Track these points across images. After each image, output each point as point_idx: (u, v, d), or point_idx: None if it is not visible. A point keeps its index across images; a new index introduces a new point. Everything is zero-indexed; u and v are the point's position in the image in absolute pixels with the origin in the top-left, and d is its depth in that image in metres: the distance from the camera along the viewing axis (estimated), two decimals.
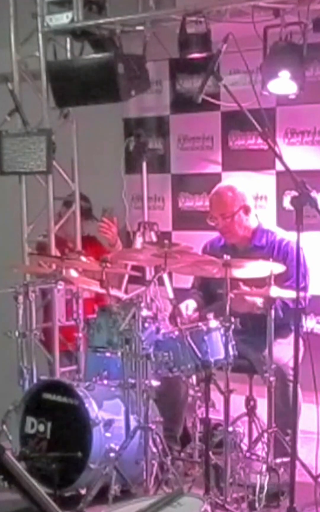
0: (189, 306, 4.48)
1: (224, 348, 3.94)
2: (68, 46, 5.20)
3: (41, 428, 4.16)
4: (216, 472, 3.90)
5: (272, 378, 3.99)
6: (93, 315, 4.44)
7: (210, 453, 3.82)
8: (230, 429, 3.91)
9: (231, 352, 3.92)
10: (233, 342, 3.94)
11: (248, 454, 4.09)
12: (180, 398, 4.40)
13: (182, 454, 4.34)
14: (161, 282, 4.45)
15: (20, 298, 4.53)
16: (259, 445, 4.10)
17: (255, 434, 4.25)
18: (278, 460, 3.95)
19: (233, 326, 3.91)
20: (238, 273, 4.00)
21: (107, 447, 3.92)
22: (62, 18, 4.92)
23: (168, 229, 5.62)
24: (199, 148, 5.53)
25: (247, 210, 4.54)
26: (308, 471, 3.90)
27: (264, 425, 4.10)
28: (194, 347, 3.95)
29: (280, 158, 3.84)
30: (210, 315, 4.06)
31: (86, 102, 4.99)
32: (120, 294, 4.68)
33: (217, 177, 5.24)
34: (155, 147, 5.65)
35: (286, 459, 3.82)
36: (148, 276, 4.73)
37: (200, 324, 4.05)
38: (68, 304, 4.87)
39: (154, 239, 5.00)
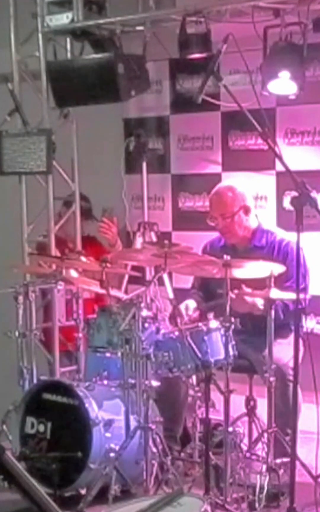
0: (189, 306, 4.48)
1: (224, 348, 3.94)
2: (68, 46, 5.19)
3: (41, 428, 4.17)
4: (216, 472, 3.90)
5: (272, 378, 3.99)
6: (93, 315, 4.44)
7: (210, 453, 3.82)
8: (230, 429, 3.91)
9: (231, 352, 3.92)
10: (233, 342, 3.94)
11: (248, 454, 4.09)
12: (180, 398, 4.40)
13: (182, 454, 4.35)
14: (161, 282, 4.45)
15: (20, 298, 4.53)
16: (259, 445, 4.10)
17: (255, 434, 4.25)
18: (278, 460, 3.95)
19: (233, 326, 3.91)
20: (238, 273, 4.00)
21: (107, 447, 3.92)
22: (62, 18, 4.92)
23: (168, 229, 5.62)
24: (199, 148, 5.53)
25: (247, 210, 4.54)
26: (308, 471, 3.90)
27: (264, 425, 4.10)
28: (194, 347, 3.95)
29: (280, 158, 3.84)
30: (210, 315, 4.06)
31: (86, 102, 4.99)
32: (120, 294, 4.68)
33: (217, 177, 5.24)
34: (155, 147, 5.65)
35: (286, 459, 3.82)
36: (148, 276, 4.73)
37: (200, 324, 4.05)
38: (68, 304, 4.87)
39: (154, 239, 5.00)
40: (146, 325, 4.03)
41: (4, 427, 4.49)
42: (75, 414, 4.04)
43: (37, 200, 5.14)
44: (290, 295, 3.86)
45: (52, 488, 3.73)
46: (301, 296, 3.71)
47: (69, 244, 5.32)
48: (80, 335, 4.58)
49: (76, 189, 5.28)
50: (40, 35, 5.04)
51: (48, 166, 5.01)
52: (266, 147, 4.28)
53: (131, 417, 4.02)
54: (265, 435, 4.02)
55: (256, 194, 4.92)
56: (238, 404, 4.22)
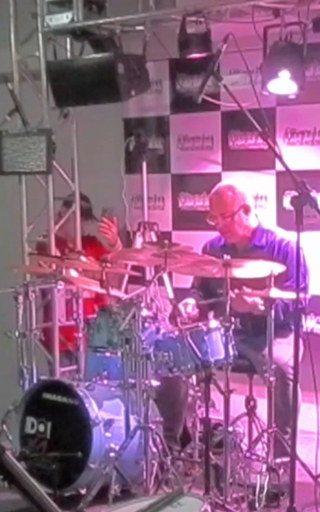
0: (188, 304, 4.48)
1: (224, 348, 3.94)
2: (68, 46, 5.20)
3: (41, 428, 4.16)
4: (216, 472, 3.90)
5: (272, 378, 3.99)
6: (93, 315, 4.44)
7: (210, 453, 3.82)
8: (230, 429, 3.91)
9: (231, 352, 3.92)
10: (233, 342, 3.94)
11: (248, 454, 4.09)
12: (180, 398, 4.40)
13: (182, 454, 4.34)
14: (161, 282, 4.45)
15: (20, 298, 4.53)
16: (259, 445, 4.10)
17: (255, 434, 4.25)
18: (278, 460, 3.95)
19: (233, 326, 3.91)
20: (238, 273, 4.00)
21: (107, 447, 3.92)
22: (62, 18, 4.92)
23: (168, 229, 5.62)
24: (199, 148, 5.53)
25: (247, 209, 4.54)
26: (308, 471, 3.90)
27: (264, 425, 4.10)
28: (194, 347, 3.95)
29: (280, 158, 3.84)
30: (210, 315, 4.06)
31: (86, 102, 4.99)
32: (120, 294, 4.68)
33: (217, 177, 5.24)
34: (155, 147, 5.65)
35: (286, 459, 3.82)
36: (148, 276, 4.73)
37: (200, 324, 4.05)
38: (68, 304, 4.87)
39: (154, 239, 5.00)
40: (146, 325, 4.03)
41: (4, 427, 4.49)
42: (75, 414, 4.04)
43: (37, 200, 5.14)
44: (290, 295, 3.86)
45: (52, 488, 3.73)
46: (301, 295, 3.71)
47: (69, 244, 5.32)
48: (80, 335, 4.58)
49: (76, 189, 5.28)
50: (40, 35, 5.04)
51: (48, 166, 5.01)
52: (266, 147, 4.28)
53: (131, 417, 4.01)
54: (265, 435, 4.01)
55: (256, 194, 4.92)
56: (238, 404, 4.22)
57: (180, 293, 4.68)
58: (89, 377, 4.29)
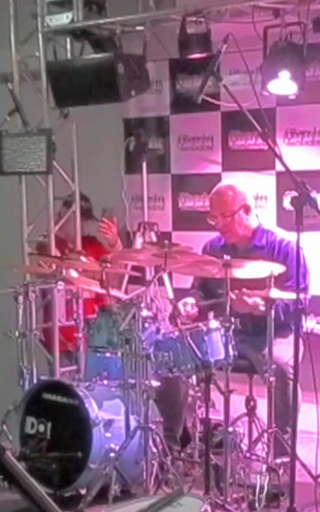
0: (187, 303, 4.47)
1: (224, 348, 3.94)
2: (68, 46, 5.20)
3: (41, 428, 4.16)
4: (216, 472, 3.90)
5: (272, 378, 3.99)
6: (93, 315, 4.44)
7: (210, 453, 3.82)
8: (230, 429, 3.91)
9: (231, 352, 3.92)
10: (233, 342, 3.94)
11: (248, 454, 4.09)
12: (179, 398, 4.40)
13: (182, 454, 4.34)
14: (161, 282, 4.45)
15: (20, 298, 4.53)
16: (259, 445, 4.10)
17: (255, 434, 4.25)
18: (278, 460, 3.95)
19: (233, 326, 3.91)
20: (238, 273, 4.00)
21: (107, 447, 3.92)
22: (62, 18, 4.92)
23: (168, 229, 5.62)
24: (199, 148, 5.53)
25: (247, 209, 4.54)
26: (308, 471, 3.90)
27: (264, 425, 4.10)
28: (194, 347, 3.95)
29: (280, 158, 3.84)
30: (210, 315, 4.06)
31: (86, 102, 4.99)
32: (120, 294, 4.68)
33: (217, 177, 5.24)
34: (155, 147, 5.65)
35: (286, 459, 3.82)
36: (148, 276, 4.73)
37: (200, 324, 4.05)
38: (68, 304, 4.87)
39: (154, 239, 5.00)
40: (146, 325, 4.03)
41: (4, 427, 4.49)
42: (75, 414, 4.04)
43: (37, 200, 5.14)
44: (290, 295, 3.86)
45: (52, 488, 3.73)
46: (301, 296, 3.71)
47: (69, 244, 5.32)
48: (80, 335, 4.58)
49: (76, 189, 5.28)
50: (40, 35, 5.04)
51: (48, 166, 5.01)
52: (266, 147, 4.28)
53: (131, 417, 4.01)
54: (265, 435, 4.01)
55: (256, 194, 4.92)
56: (238, 404, 4.22)
57: (180, 293, 4.68)
58: (89, 377, 4.29)
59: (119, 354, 4.03)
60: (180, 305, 4.38)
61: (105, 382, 4.19)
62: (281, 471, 3.90)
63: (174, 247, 4.21)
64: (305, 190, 3.47)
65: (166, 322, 4.18)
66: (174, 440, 4.41)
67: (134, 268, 4.81)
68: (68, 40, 5.17)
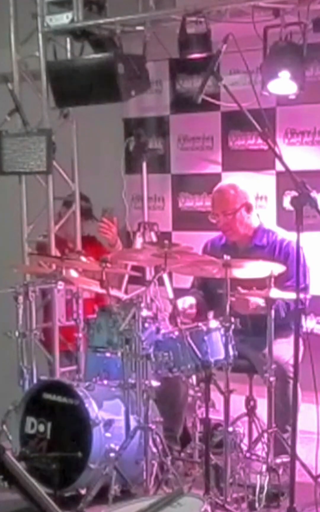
0: (186, 301, 4.48)
1: (224, 348, 3.94)
2: (68, 46, 5.19)
3: (41, 428, 4.16)
4: (216, 472, 3.90)
5: (272, 378, 3.99)
6: (93, 315, 4.44)
7: (210, 453, 3.82)
8: (230, 429, 3.91)
9: (231, 352, 3.92)
10: (233, 342, 3.94)
11: (248, 454, 4.09)
12: (179, 398, 4.40)
13: (182, 454, 4.34)
14: (161, 282, 4.45)
15: (20, 298, 4.53)
16: (259, 445, 4.10)
17: (255, 434, 4.25)
18: (278, 460, 3.95)
19: (233, 326, 3.91)
20: (238, 273, 4.00)
21: (107, 447, 3.92)
22: (62, 18, 4.92)
23: (168, 229, 5.62)
24: (199, 148, 5.53)
25: (249, 208, 4.54)
26: (308, 471, 3.90)
27: (264, 425, 4.10)
28: (194, 347, 3.95)
29: (280, 158, 3.84)
30: (210, 315, 4.07)
31: (86, 102, 4.99)
32: (120, 294, 4.68)
33: (217, 177, 5.24)
34: (156, 147, 5.65)
35: (286, 459, 3.82)
36: (148, 276, 4.73)
37: (200, 324, 4.05)
38: (68, 304, 4.87)
39: (154, 239, 5.00)
40: (146, 325, 4.03)
41: (4, 427, 4.49)
42: (75, 414, 4.04)
43: (37, 200, 5.14)
44: (291, 295, 3.86)
45: (52, 488, 3.73)
46: (302, 295, 3.71)
47: (69, 244, 5.32)
48: (80, 335, 4.58)
49: (76, 189, 5.27)
50: (40, 35, 5.04)
51: (48, 166, 5.01)
52: (266, 147, 4.28)
53: (131, 417, 4.02)
54: (265, 435, 4.02)
55: (256, 194, 4.91)
56: (238, 404, 4.22)
57: (180, 293, 4.68)
58: (89, 377, 4.29)
59: (119, 354, 4.03)
60: (179, 302, 4.37)
61: (105, 382, 4.19)
62: (281, 471, 3.90)
63: (174, 247, 4.21)
64: (305, 190, 3.47)
65: (166, 322, 4.18)
66: (174, 440, 4.41)
67: (134, 268, 4.81)
68: (68, 40, 5.17)
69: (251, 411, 4.28)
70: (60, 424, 4.12)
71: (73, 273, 4.73)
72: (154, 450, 3.91)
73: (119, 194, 5.18)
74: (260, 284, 4.02)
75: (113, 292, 4.46)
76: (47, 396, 4.20)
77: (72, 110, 5.21)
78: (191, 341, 3.96)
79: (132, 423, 4.00)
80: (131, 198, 5.35)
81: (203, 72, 4.10)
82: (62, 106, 5.16)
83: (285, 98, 4.63)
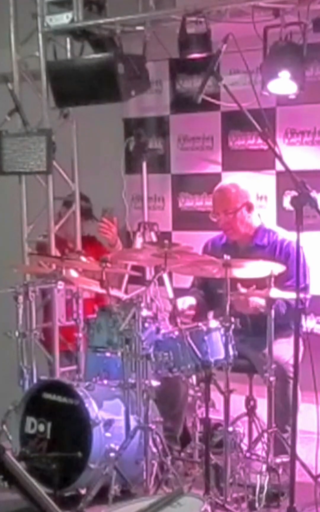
0: (185, 301, 4.48)
1: (224, 348, 3.94)
2: (68, 46, 5.19)
3: (41, 428, 4.16)
4: (216, 472, 3.90)
5: (272, 378, 3.99)
6: (93, 315, 4.44)
7: (210, 453, 3.83)
8: (230, 429, 3.91)
9: (231, 352, 3.92)
10: (233, 342, 3.94)
11: (248, 454, 4.09)
12: (179, 398, 4.40)
13: (182, 454, 4.34)
14: (161, 282, 4.45)
15: (20, 298, 4.53)
16: (259, 445, 4.10)
17: (255, 434, 4.25)
18: (278, 460, 3.95)
19: (233, 326, 3.91)
20: (238, 273, 4.00)
21: (107, 447, 3.92)
22: (62, 18, 4.92)
23: (168, 229, 5.62)
24: (199, 148, 5.53)
25: (250, 207, 4.55)
26: (308, 471, 3.90)
27: (264, 425, 4.10)
28: (194, 347, 3.95)
29: (280, 158, 3.84)
30: (210, 315, 4.06)
31: (86, 102, 4.99)
32: (120, 294, 4.68)
33: (217, 177, 5.24)
34: (156, 147, 5.65)
35: (286, 459, 3.82)
36: (148, 276, 4.73)
37: (200, 324, 4.05)
38: (68, 304, 4.87)
39: (154, 239, 5.00)
40: (146, 325, 4.03)
41: (4, 427, 4.49)
42: (75, 414, 4.04)
43: (37, 200, 5.14)
44: (291, 295, 3.86)
45: (52, 488, 3.73)
46: (302, 295, 3.71)
47: (69, 244, 5.32)
48: (80, 335, 4.58)
49: (76, 189, 5.27)
50: (40, 35, 5.04)
51: (48, 166, 5.01)
52: (266, 147, 4.28)
53: (131, 417, 4.02)
54: (265, 435, 4.02)
55: (256, 194, 4.91)
56: (238, 404, 4.22)
57: (180, 293, 4.67)
58: (89, 377, 4.29)
59: (119, 354, 4.03)
60: (179, 302, 4.37)
61: (105, 382, 4.19)
62: (280, 471, 3.90)
63: (174, 247, 4.21)
64: (305, 190, 3.47)
65: (166, 322, 4.18)
66: (174, 440, 4.41)
67: (134, 268, 4.81)
68: (68, 40, 5.17)
69: (251, 411, 4.28)
70: (60, 424, 4.12)
71: (73, 273, 4.73)
72: (154, 450, 3.91)
73: (119, 194, 5.18)
74: (260, 282, 4.02)
75: (113, 292, 4.46)
76: (47, 396, 4.20)
77: (72, 110, 5.21)
78: (191, 341, 3.96)
79: (132, 423, 4.00)
80: (131, 198, 5.35)
81: (203, 72, 4.10)
82: (62, 106, 5.16)
83: (285, 98, 4.63)
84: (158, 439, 3.93)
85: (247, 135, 5.17)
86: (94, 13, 4.90)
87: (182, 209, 5.66)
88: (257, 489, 3.82)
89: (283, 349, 4.03)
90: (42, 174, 5.05)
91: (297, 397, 3.55)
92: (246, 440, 4.18)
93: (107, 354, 4.18)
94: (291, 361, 3.70)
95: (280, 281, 4.04)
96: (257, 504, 3.81)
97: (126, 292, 4.89)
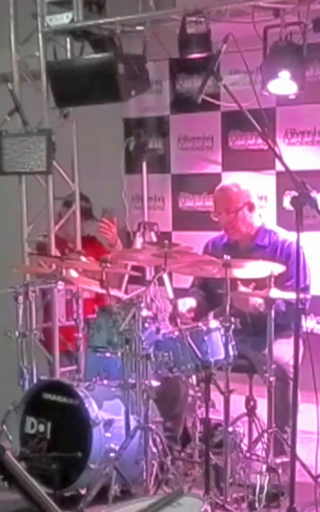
0: (186, 304, 4.48)
1: (224, 348, 3.94)
2: (68, 46, 5.19)
3: (41, 428, 4.16)
4: (216, 472, 3.90)
5: (272, 378, 3.99)
6: (93, 315, 4.44)
7: (210, 453, 3.83)
8: (230, 429, 3.91)
9: (231, 352, 3.92)
10: (233, 342, 3.94)
11: (248, 454, 4.09)
12: (179, 398, 4.40)
13: (182, 454, 4.34)
14: (161, 282, 4.46)
15: (20, 298, 4.54)
16: (259, 445, 4.10)
17: (255, 434, 4.25)
18: (278, 460, 3.95)
19: (233, 326, 3.91)
20: (238, 273, 4.00)
21: (107, 447, 3.92)
22: (62, 18, 4.92)
23: (168, 229, 5.62)
24: (199, 148, 5.53)
25: (251, 207, 4.55)
26: (308, 471, 3.90)
27: (264, 425, 4.10)
28: (194, 347, 3.95)
29: (280, 158, 3.85)
30: (210, 315, 4.06)
31: (86, 102, 4.99)
32: (120, 294, 4.68)
33: (217, 177, 5.24)
34: (155, 147, 5.65)
35: (286, 459, 3.82)
36: (148, 276, 4.73)
37: (200, 324, 4.05)
38: (68, 304, 4.87)
39: (154, 239, 5.00)
40: (146, 325, 4.03)
41: (4, 427, 4.49)
42: (75, 414, 4.04)
43: (37, 200, 5.14)
44: (291, 295, 3.86)
45: (52, 488, 3.73)
46: (302, 296, 3.71)
47: (69, 244, 5.32)
48: (80, 335, 4.58)
49: (76, 189, 5.27)
50: (40, 35, 5.04)
51: (48, 166, 5.01)
52: (266, 147, 4.28)
53: (131, 417, 4.02)
54: (265, 435, 4.02)
55: (256, 194, 4.92)
56: (238, 404, 4.22)
57: (180, 293, 4.68)
58: (89, 377, 4.29)
59: (119, 354, 4.03)
60: (180, 304, 4.37)
61: (105, 382, 4.19)
62: (280, 471, 3.90)
63: (174, 247, 4.21)
64: (305, 190, 3.48)
65: (166, 322, 4.18)
66: (174, 440, 4.41)
67: (134, 268, 4.81)
68: (68, 40, 5.17)
69: (251, 411, 4.28)
70: (60, 424, 4.12)
71: (73, 273, 4.73)
72: (154, 450, 3.91)
73: (119, 194, 5.18)
74: (260, 282, 4.03)
75: (113, 292, 4.46)
76: (47, 396, 4.20)
77: (72, 110, 5.21)
78: (191, 341, 3.96)
79: (132, 423, 4.00)
80: (131, 198, 5.35)
81: (203, 72, 4.10)
82: (62, 106, 5.16)
83: (285, 98, 4.63)
84: (158, 439, 3.93)
85: (247, 135, 5.17)
86: (94, 13, 4.90)
87: (182, 209, 5.65)
88: (257, 489, 3.82)
89: (283, 349, 4.03)
90: (42, 174, 5.05)
91: (297, 398, 3.55)
92: (246, 440, 4.18)
93: (107, 354, 4.18)
94: (291, 362, 3.70)
95: (280, 281, 4.04)
96: (257, 504, 3.81)
97: (126, 292, 4.89)
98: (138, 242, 5.02)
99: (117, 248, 5.13)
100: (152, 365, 3.95)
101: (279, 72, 4.41)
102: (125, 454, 3.91)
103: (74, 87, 4.93)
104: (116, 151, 5.43)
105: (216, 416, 4.06)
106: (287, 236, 4.48)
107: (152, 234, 5.05)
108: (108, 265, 4.30)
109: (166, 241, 4.32)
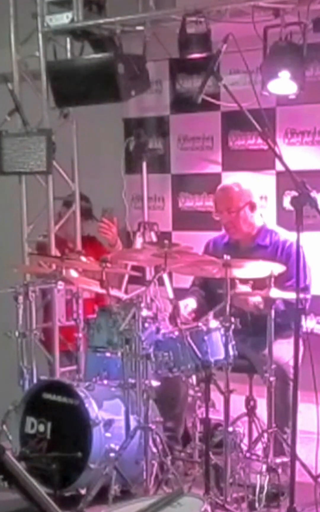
0: (188, 306, 4.48)
1: (224, 348, 3.94)
2: (68, 46, 5.19)
3: (41, 428, 4.17)
4: (216, 472, 3.90)
5: (272, 378, 3.99)
6: (93, 315, 4.44)
7: (210, 453, 3.83)
8: (230, 429, 3.91)
9: (231, 352, 3.92)
10: (233, 342, 3.94)
11: (248, 454, 4.09)
12: (180, 398, 4.40)
13: (182, 454, 4.34)
14: (161, 282, 4.46)
15: (20, 298, 4.54)
16: (259, 445, 4.10)
17: (255, 434, 4.25)
18: (278, 460, 3.95)
19: (233, 326, 3.91)
20: (238, 273, 4.00)
21: (107, 447, 3.92)
22: (62, 18, 4.92)
23: (168, 229, 5.62)
24: (199, 148, 5.52)
25: (253, 206, 4.55)
26: (308, 471, 3.90)
27: (264, 425, 4.10)
28: (194, 347, 3.95)
29: (280, 158, 3.85)
30: (210, 315, 4.06)
31: (86, 102, 4.99)
32: (120, 294, 4.68)
33: (217, 177, 5.24)
34: (155, 147, 5.65)
35: (286, 459, 3.82)
36: (148, 276, 4.73)
37: (200, 324, 4.05)
38: (68, 304, 4.87)
39: (154, 239, 5.00)
40: (146, 325, 4.03)
41: (4, 427, 4.49)
42: (75, 414, 4.04)
43: (37, 200, 5.14)
44: (291, 295, 3.86)
45: (52, 488, 3.73)
46: (302, 296, 3.71)
47: (69, 244, 5.32)
48: (80, 335, 4.58)
49: (76, 189, 5.27)
50: (40, 35, 5.04)
51: (48, 166, 5.01)
52: (266, 147, 4.28)
53: (131, 417, 4.02)
54: (265, 435, 4.02)
55: (257, 194, 4.92)
56: (238, 404, 4.22)
57: (180, 293, 4.68)
58: (89, 377, 4.29)
59: (119, 354, 4.03)
60: (181, 306, 4.37)
61: (105, 382, 4.19)
62: (280, 471, 3.90)
63: (174, 247, 4.21)
64: (305, 190, 3.48)
65: (166, 322, 4.18)
66: (175, 440, 4.41)
67: (134, 268, 4.81)
68: (68, 40, 5.17)
69: (251, 411, 4.28)
70: (60, 424, 4.12)
71: (73, 273, 4.73)
72: (154, 450, 3.91)
73: (119, 194, 5.18)
74: (260, 281, 4.03)
75: (113, 292, 4.46)
76: (47, 396, 4.21)
77: (72, 110, 5.21)
78: (191, 341, 3.96)
79: (132, 423, 4.00)
80: (131, 198, 5.35)
81: (203, 72, 4.10)
82: (62, 106, 5.16)
83: (285, 98, 4.63)
84: (158, 439, 3.93)
85: (247, 135, 5.16)
86: (94, 13, 4.90)
87: (182, 209, 5.65)
88: (257, 489, 3.82)
89: (283, 349, 4.03)
90: (42, 174, 5.05)
91: (297, 398, 3.54)
92: (246, 440, 4.18)
93: (107, 354, 4.18)
94: (291, 362, 3.70)
95: (280, 281, 4.04)
96: (257, 504, 3.81)
97: (126, 292, 4.89)
98: (138, 242, 5.02)
99: (117, 248, 5.13)
100: (152, 365, 3.95)
101: (279, 72, 4.41)
102: (125, 454, 3.91)
103: (74, 87, 4.93)
104: (116, 151, 5.43)
105: (216, 416, 4.06)
106: (288, 236, 4.48)
107: (152, 234, 5.05)
108: (108, 265, 4.30)
109: (166, 241, 4.32)
